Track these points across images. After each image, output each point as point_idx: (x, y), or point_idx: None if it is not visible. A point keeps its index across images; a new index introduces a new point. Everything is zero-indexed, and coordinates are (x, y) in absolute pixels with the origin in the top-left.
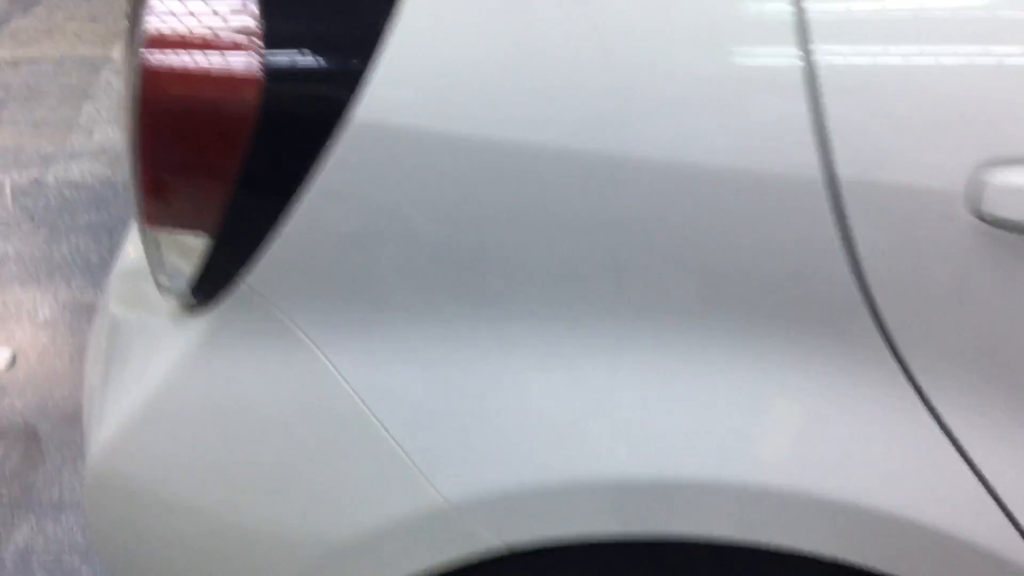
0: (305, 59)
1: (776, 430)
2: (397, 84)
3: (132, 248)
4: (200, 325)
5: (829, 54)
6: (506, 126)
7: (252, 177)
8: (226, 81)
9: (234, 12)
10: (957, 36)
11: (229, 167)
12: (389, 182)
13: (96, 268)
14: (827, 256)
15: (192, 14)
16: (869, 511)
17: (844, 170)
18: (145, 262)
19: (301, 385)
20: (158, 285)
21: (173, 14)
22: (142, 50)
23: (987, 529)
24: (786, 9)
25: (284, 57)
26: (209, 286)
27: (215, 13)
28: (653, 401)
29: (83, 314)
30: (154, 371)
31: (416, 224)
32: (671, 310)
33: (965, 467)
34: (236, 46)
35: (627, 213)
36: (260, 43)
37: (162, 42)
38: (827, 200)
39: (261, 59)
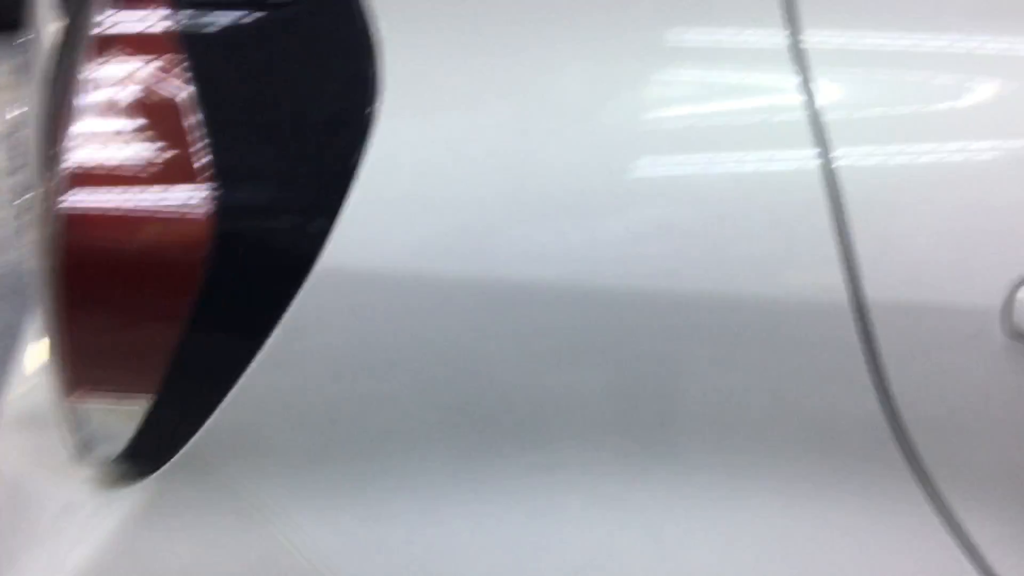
0: (264, 195)
1: (800, 570)
2: (371, 222)
3: (22, 385)
4: (132, 497)
5: (850, 160)
6: (497, 263)
7: (203, 332)
8: (170, 223)
9: (177, 140)
10: (994, 137)
11: (176, 322)
12: (360, 331)
13: None
14: (852, 382)
15: (125, 142)
16: None
17: (872, 291)
18: (46, 410)
19: (260, 566)
20: (76, 450)
21: (101, 143)
22: (63, 189)
23: None
24: (799, 112)
25: (239, 193)
26: (146, 454)
27: (154, 141)
28: (669, 548)
29: None
30: (75, 554)
31: (388, 376)
32: (683, 450)
33: None
34: (181, 180)
35: (636, 348)
36: (210, 176)
37: (88, 179)
38: (854, 324)
39: (212, 196)
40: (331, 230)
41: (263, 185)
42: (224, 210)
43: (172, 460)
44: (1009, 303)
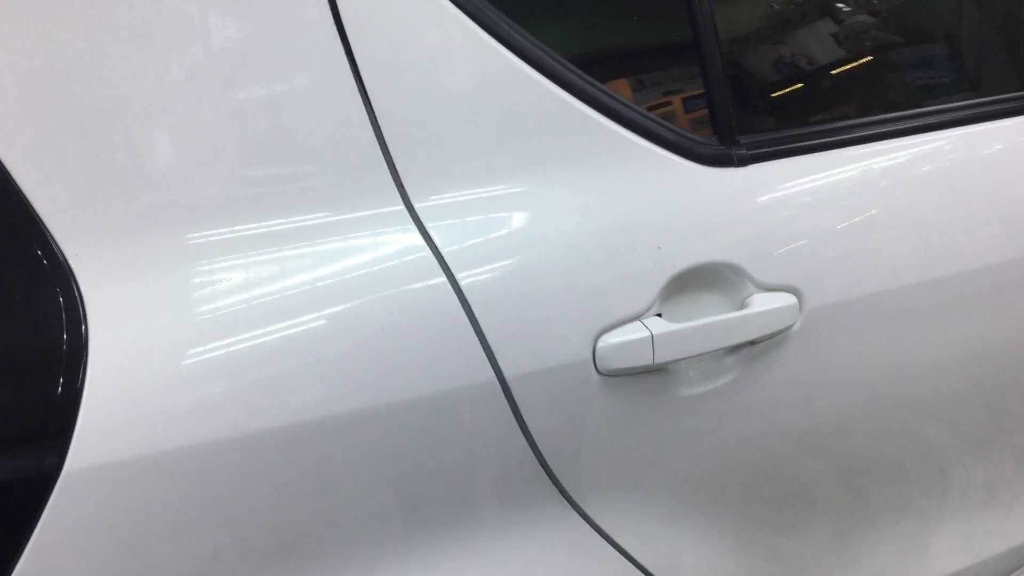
0: None
1: None
2: (104, 423)
3: None
4: None
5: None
6: (222, 425)
7: None
8: None
9: None
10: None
11: None
12: (117, 519)
13: None
14: (512, 441)
15: None
16: None
17: (508, 368)
18: None
19: None
20: None
21: None
22: None
23: None
24: (428, 254)
25: None
26: None
27: None
28: None
29: None
30: None
31: (153, 557)
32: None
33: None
34: None
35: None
36: None
37: None
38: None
39: None
40: (63, 437)
41: None
42: None
43: None
44: (594, 352)
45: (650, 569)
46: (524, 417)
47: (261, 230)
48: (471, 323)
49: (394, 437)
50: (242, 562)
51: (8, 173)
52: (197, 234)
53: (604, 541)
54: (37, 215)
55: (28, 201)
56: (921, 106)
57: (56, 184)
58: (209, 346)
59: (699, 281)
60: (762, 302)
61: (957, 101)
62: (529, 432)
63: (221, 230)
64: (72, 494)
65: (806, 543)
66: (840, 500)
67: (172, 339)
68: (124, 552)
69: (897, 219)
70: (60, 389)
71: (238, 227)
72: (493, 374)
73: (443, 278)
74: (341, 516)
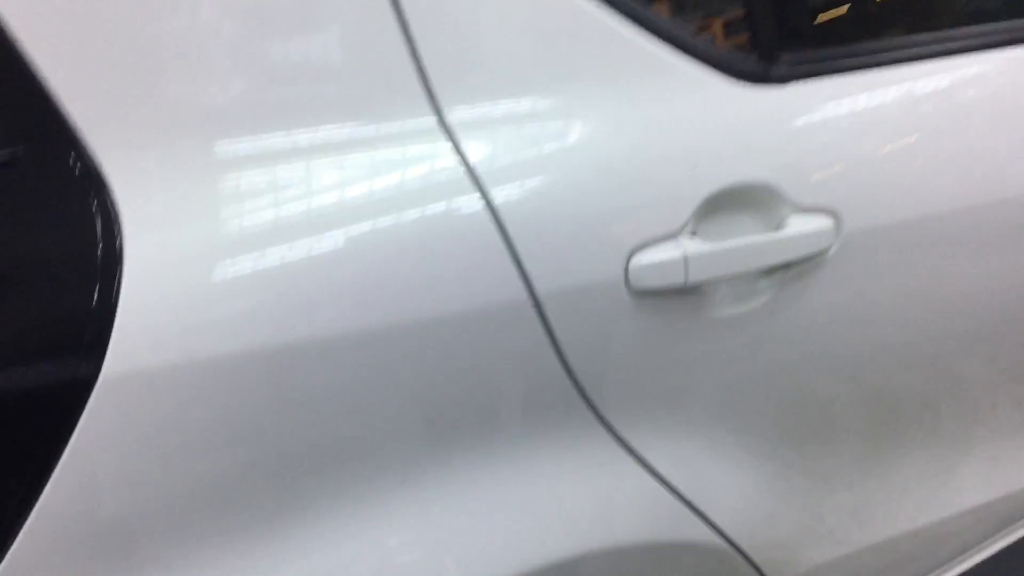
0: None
1: (526, 516)
2: (139, 332)
3: None
4: None
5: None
6: (259, 333)
7: None
8: None
9: None
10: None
11: None
12: (153, 429)
13: None
14: (544, 359)
15: None
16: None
17: (540, 285)
18: None
19: None
20: None
21: None
22: None
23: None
24: (458, 167)
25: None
26: None
27: None
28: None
29: None
30: None
31: (185, 466)
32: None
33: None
34: None
35: (384, 380)
36: None
37: None
38: (536, 314)
39: None
40: (98, 347)
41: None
42: None
43: None
44: (626, 270)
45: (681, 490)
46: (556, 335)
47: (288, 142)
48: (503, 240)
49: (426, 353)
50: (274, 474)
51: (42, 82)
52: (227, 142)
53: (636, 461)
54: (71, 124)
55: (63, 110)
56: (972, 25)
57: (89, 93)
58: (239, 258)
59: (735, 201)
60: (798, 224)
61: (1009, 20)
62: (561, 350)
63: (250, 139)
64: (108, 401)
65: (836, 464)
66: (871, 426)
67: (206, 250)
68: (158, 460)
69: (940, 142)
70: (96, 297)
71: (266, 136)
72: (526, 291)
73: (476, 193)
74: (372, 430)
